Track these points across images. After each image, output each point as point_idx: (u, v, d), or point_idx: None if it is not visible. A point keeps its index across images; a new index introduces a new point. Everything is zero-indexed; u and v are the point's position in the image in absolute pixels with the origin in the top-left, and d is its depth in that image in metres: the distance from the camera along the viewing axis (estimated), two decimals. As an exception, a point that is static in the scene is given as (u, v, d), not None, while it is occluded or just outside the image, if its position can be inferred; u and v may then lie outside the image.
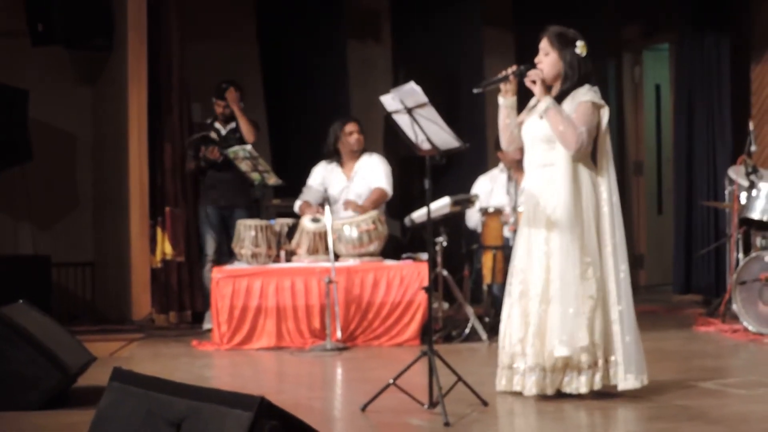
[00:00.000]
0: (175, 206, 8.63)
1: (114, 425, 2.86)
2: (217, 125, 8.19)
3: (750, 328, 7.23)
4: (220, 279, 7.24)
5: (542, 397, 4.94)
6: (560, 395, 4.96)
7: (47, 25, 8.96)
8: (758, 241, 7.74)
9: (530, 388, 4.95)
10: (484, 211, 7.55)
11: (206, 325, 8.02)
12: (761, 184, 7.46)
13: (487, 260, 7.52)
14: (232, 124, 8.22)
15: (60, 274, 9.48)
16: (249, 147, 7.91)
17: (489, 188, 8.00)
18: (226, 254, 8.17)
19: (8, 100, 9.04)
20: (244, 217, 7.93)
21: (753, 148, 7.72)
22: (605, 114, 5.15)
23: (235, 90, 8.13)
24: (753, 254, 7.47)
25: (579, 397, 4.95)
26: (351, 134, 7.83)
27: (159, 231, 8.66)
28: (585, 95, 5.08)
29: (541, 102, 5.02)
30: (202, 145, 8.20)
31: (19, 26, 9.08)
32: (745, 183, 7.57)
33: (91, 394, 3.15)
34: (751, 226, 7.71)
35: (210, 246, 8.23)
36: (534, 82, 5.01)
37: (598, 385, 4.97)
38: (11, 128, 9.06)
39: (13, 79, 9.09)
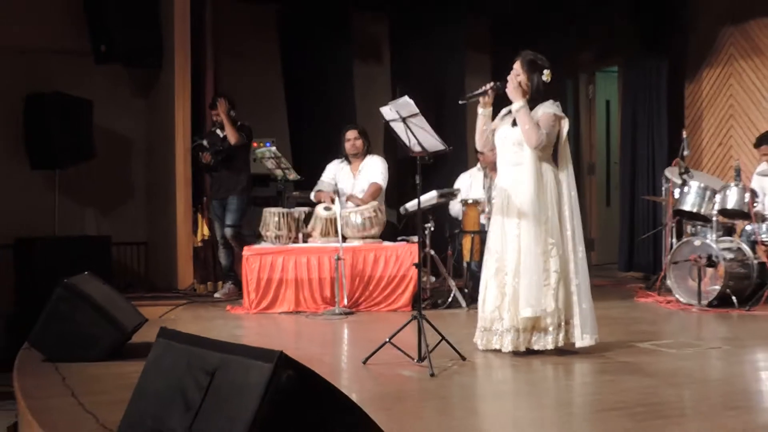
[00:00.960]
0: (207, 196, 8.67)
1: (160, 374, 2.87)
2: (218, 131, 8.10)
3: (681, 299, 7.24)
4: (249, 256, 7.22)
5: (515, 354, 4.97)
6: (530, 352, 4.99)
7: (109, 46, 8.95)
8: (688, 228, 7.79)
9: (507, 345, 4.98)
10: (465, 202, 7.56)
11: (217, 295, 8.03)
12: (692, 182, 7.49)
13: (466, 242, 7.52)
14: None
15: (119, 251, 9.48)
16: (273, 149, 7.90)
17: (468, 183, 8.02)
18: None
19: (76, 109, 9.05)
20: (236, 201, 7.96)
21: (686, 152, 7.73)
22: (565, 125, 5.18)
23: (225, 102, 7.99)
24: (684, 239, 7.48)
25: (545, 352, 4.99)
26: (348, 140, 7.80)
27: (199, 216, 8.71)
28: (549, 108, 5.11)
29: (516, 103, 5.05)
30: (199, 152, 8.21)
31: (85, 47, 9.06)
32: (679, 181, 7.59)
33: (142, 349, 3.18)
34: (683, 216, 7.74)
35: (218, 232, 8.20)
36: (515, 87, 5.06)
37: (560, 343, 5.01)
38: (78, 132, 9.07)
39: (80, 91, 9.10)
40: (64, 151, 8.98)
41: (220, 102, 7.91)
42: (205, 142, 8.15)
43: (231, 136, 7.85)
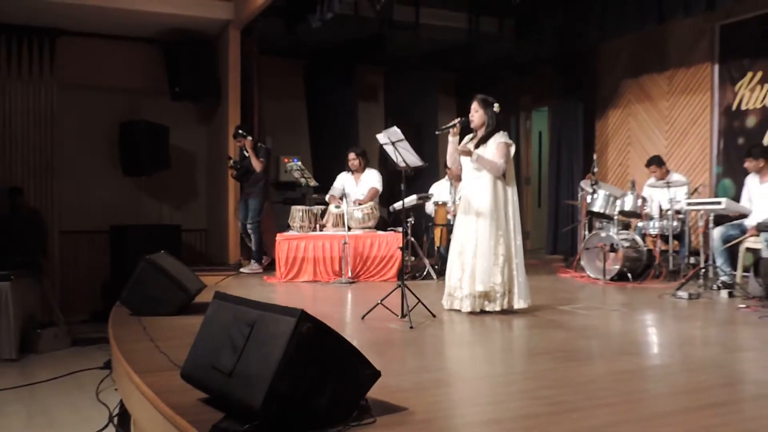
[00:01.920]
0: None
1: (214, 325, 2.86)
2: (244, 152, 7.86)
3: (591, 275, 7.25)
4: (281, 240, 7.22)
5: (471, 313, 4.98)
6: (482, 312, 5.00)
7: (181, 88, 8.98)
8: (597, 224, 7.79)
9: (465, 307, 5.01)
10: (436, 204, 7.53)
11: (244, 270, 7.86)
12: (599, 191, 7.50)
13: (437, 232, 7.51)
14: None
15: (187, 236, 9.51)
16: (299, 163, 7.88)
17: (439, 190, 8.01)
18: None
19: (157, 132, 9.11)
20: (254, 203, 7.81)
21: (595, 169, 7.73)
22: (512, 149, 5.18)
23: (250, 140, 7.76)
24: (594, 232, 7.48)
25: (493, 313, 5.00)
26: (350, 159, 7.81)
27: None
28: (502, 138, 5.12)
29: (473, 156, 5.03)
30: (229, 167, 8.12)
31: (164, 88, 9.12)
32: (590, 190, 7.60)
33: (202, 307, 3.19)
34: (593, 215, 7.75)
35: (240, 224, 8.06)
36: (469, 152, 5.05)
37: (504, 305, 5.03)
38: (158, 149, 9.11)
39: (160, 119, 9.16)
40: (147, 163, 9.03)
41: (247, 141, 7.75)
42: (231, 162, 8.05)
43: (256, 166, 7.73)
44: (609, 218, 7.42)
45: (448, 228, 6.94)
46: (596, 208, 7.46)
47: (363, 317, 4.83)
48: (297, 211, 7.48)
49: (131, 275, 4.98)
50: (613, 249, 7.02)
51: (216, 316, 2.91)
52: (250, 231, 7.92)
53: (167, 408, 2.69)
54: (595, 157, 8.00)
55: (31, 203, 8.60)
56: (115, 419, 4.61)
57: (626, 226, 7.61)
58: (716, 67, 7.97)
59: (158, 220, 9.51)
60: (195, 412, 2.62)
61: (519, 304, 5.06)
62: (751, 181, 6.59)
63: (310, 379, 2.44)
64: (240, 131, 7.88)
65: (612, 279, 6.99)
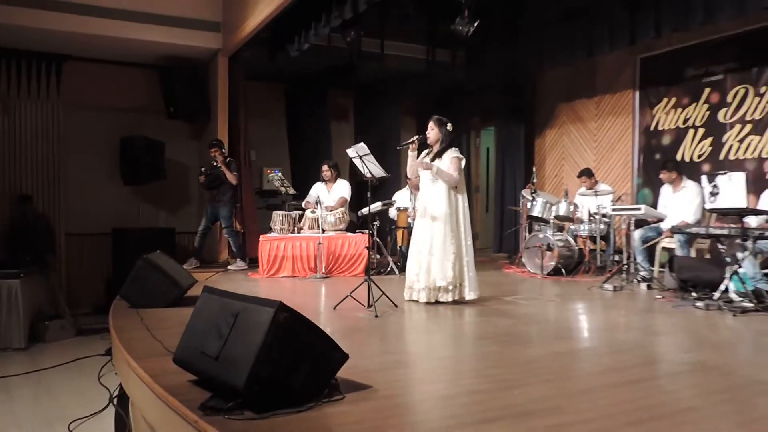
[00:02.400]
0: (241, 203, 8.52)
1: (203, 315, 2.82)
2: (214, 162, 7.59)
3: (531, 270, 7.30)
4: (263, 241, 7.14)
5: (428, 303, 4.99)
6: (437, 302, 5.01)
7: (175, 108, 8.88)
8: (535, 227, 7.85)
9: (423, 298, 5.02)
10: (398, 209, 7.55)
11: (230, 267, 7.67)
12: (538, 199, 7.54)
13: (399, 234, 7.51)
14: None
15: (180, 237, 9.36)
16: (280, 174, 7.84)
17: (400, 198, 8.00)
18: (214, 228, 7.91)
19: (154, 147, 8.99)
20: (227, 210, 7.68)
21: (534, 180, 7.78)
22: (463, 162, 5.19)
23: (218, 149, 7.59)
24: (533, 234, 7.54)
25: (446, 303, 5.01)
26: (323, 171, 7.77)
27: (233, 216, 8.56)
28: (454, 153, 5.13)
29: (432, 170, 5.05)
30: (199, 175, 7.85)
31: (161, 107, 9.00)
32: (530, 198, 7.64)
33: (193, 300, 3.14)
34: (532, 219, 7.79)
35: (203, 225, 7.75)
36: (430, 167, 5.05)
37: (456, 297, 5.04)
38: (155, 162, 8.98)
39: (157, 136, 9.04)
40: (145, 173, 8.88)
41: (214, 150, 7.58)
42: (203, 169, 7.80)
43: (231, 179, 7.57)
44: (546, 222, 7.49)
45: (409, 230, 6.95)
46: (535, 213, 7.52)
47: (335, 307, 4.81)
48: (278, 216, 7.42)
49: (130, 272, 4.88)
50: (549, 248, 7.09)
51: (204, 307, 2.87)
52: (226, 235, 7.81)
53: (161, 389, 2.65)
54: (534, 169, 8.07)
55: (39, 209, 8.44)
56: (115, 400, 4.51)
57: (560, 229, 7.68)
58: (637, 94, 8.10)
59: (155, 223, 9.37)
60: (185, 392, 2.58)
61: (469, 295, 5.08)
62: (665, 191, 6.70)
63: (287, 362, 2.42)
64: (215, 142, 7.75)
65: (548, 274, 7.05)
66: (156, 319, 4.31)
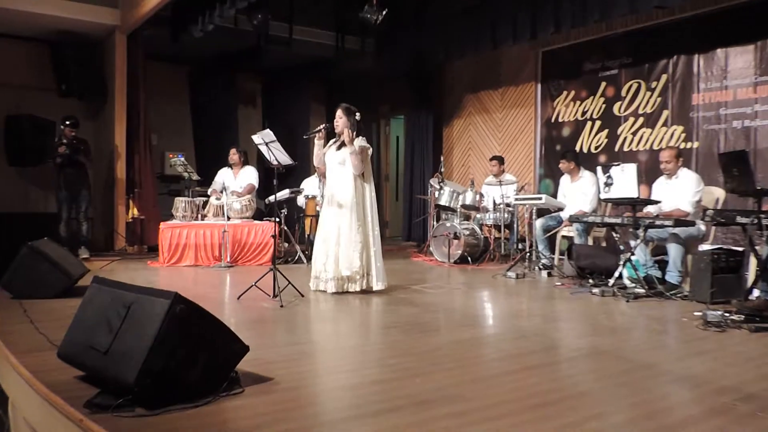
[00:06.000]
0: (140, 188, 8.16)
1: (92, 307, 2.67)
2: (73, 141, 7.28)
3: (438, 259, 7.42)
4: (164, 228, 6.88)
5: (336, 293, 4.96)
6: (345, 292, 4.99)
7: (68, 85, 8.36)
8: (443, 216, 7.97)
9: (330, 288, 4.98)
10: (307, 197, 7.46)
11: (82, 256, 7.04)
12: (445, 188, 7.64)
13: (307, 222, 7.40)
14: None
15: (70, 223, 8.82)
16: (183, 159, 7.58)
17: (309, 185, 7.89)
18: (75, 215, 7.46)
19: (43, 127, 8.40)
20: (89, 194, 7.44)
21: (442, 169, 7.90)
22: (370, 152, 5.18)
23: (70, 127, 7.27)
24: (440, 222, 7.66)
25: (354, 293, 5.00)
26: (230, 156, 7.62)
27: (131, 201, 8.18)
28: (361, 142, 5.09)
29: (349, 147, 4.99)
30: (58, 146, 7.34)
31: (51, 85, 8.43)
32: (438, 187, 7.74)
33: (83, 290, 2.94)
34: (440, 208, 7.91)
35: (65, 215, 7.39)
36: (351, 140, 5.00)
37: (364, 286, 5.04)
38: (44, 143, 8.40)
39: (46, 115, 8.41)
40: (33, 155, 8.32)
41: (67, 132, 7.24)
42: (65, 141, 7.27)
43: (87, 162, 7.33)
44: (453, 211, 7.61)
45: (317, 218, 6.84)
46: (443, 202, 7.62)
47: (239, 297, 4.70)
48: (180, 202, 7.19)
49: (13, 260, 4.56)
50: (456, 237, 7.21)
51: (94, 298, 2.72)
52: (83, 221, 7.42)
53: (42, 386, 2.46)
54: (442, 159, 8.18)
55: None
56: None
57: (467, 218, 7.83)
58: (539, 86, 8.35)
59: (44, 209, 8.75)
60: (70, 389, 2.42)
61: (377, 286, 5.08)
62: (564, 181, 6.92)
63: (183, 355, 2.32)
64: (72, 121, 7.31)
65: (455, 262, 7.18)
66: (41, 311, 4.04)
